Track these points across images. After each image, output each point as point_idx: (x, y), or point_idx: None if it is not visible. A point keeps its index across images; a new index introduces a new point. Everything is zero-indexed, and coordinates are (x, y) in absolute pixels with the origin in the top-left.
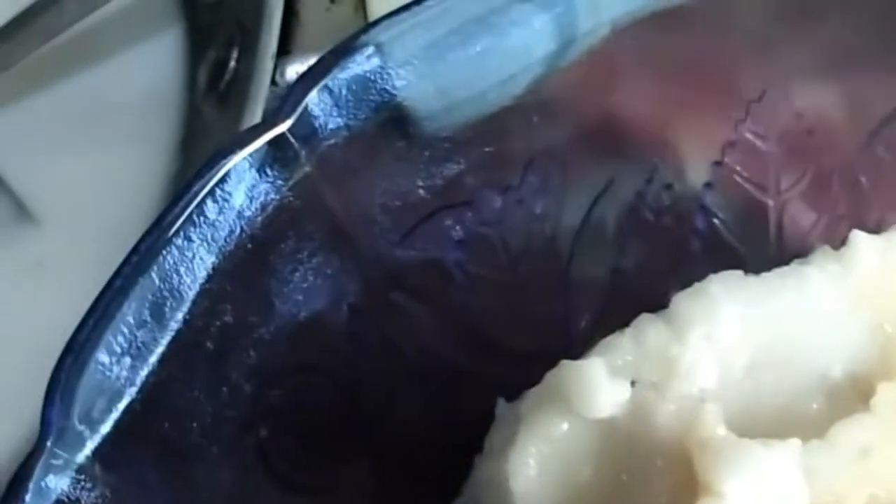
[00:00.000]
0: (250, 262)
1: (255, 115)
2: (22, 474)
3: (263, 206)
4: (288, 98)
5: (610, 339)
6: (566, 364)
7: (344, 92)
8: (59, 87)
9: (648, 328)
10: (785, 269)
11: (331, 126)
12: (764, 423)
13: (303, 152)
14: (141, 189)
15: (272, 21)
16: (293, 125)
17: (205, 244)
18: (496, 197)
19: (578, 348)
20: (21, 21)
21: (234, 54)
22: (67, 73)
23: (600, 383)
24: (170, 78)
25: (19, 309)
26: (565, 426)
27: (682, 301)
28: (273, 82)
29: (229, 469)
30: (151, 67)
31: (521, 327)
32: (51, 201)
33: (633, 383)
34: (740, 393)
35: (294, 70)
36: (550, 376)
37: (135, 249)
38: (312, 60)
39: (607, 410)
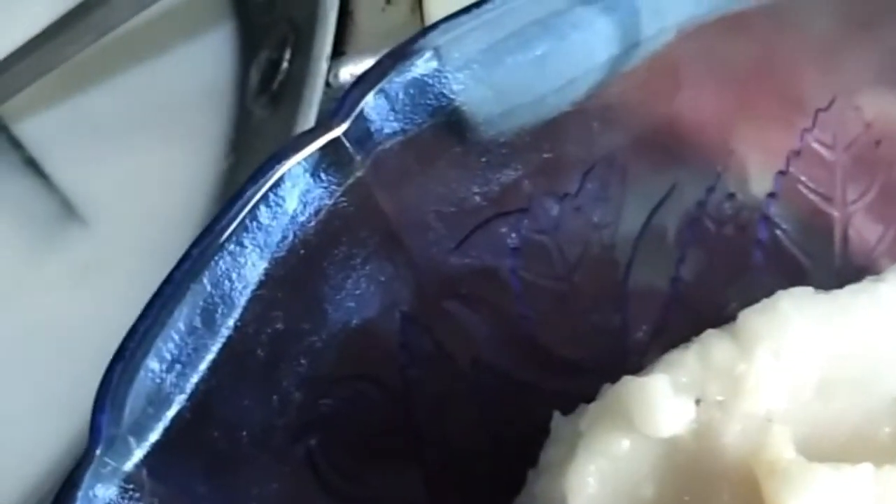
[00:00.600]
0: (303, 268)
1: (308, 118)
2: (71, 482)
3: (317, 212)
4: (344, 102)
5: (674, 354)
6: (629, 380)
7: (400, 96)
8: (108, 84)
9: (714, 344)
10: (857, 285)
11: (386, 130)
12: (833, 447)
13: (358, 157)
14: (190, 189)
15: (327, 22)
16: (348, 129)
17: (257, 250)
18: (553, 204)
19: (634, 360)
20: (73, 18)
21: (287, 55)
22: (117, 71)
23: (664, 401)
24: (220, 77)
25: (66, 311)
26: (627, 444)
27: (750, 317)
28: (326, 84)
29: (278, 478)
30: (202, 66)
31: (576, 338)
32: (99, 201)
33: (697, 401)
34: (809, 414)
35: (348, 72)
36: (612, 392)
37: (187, 255)
38: (367, 62)
39: (670, 429)
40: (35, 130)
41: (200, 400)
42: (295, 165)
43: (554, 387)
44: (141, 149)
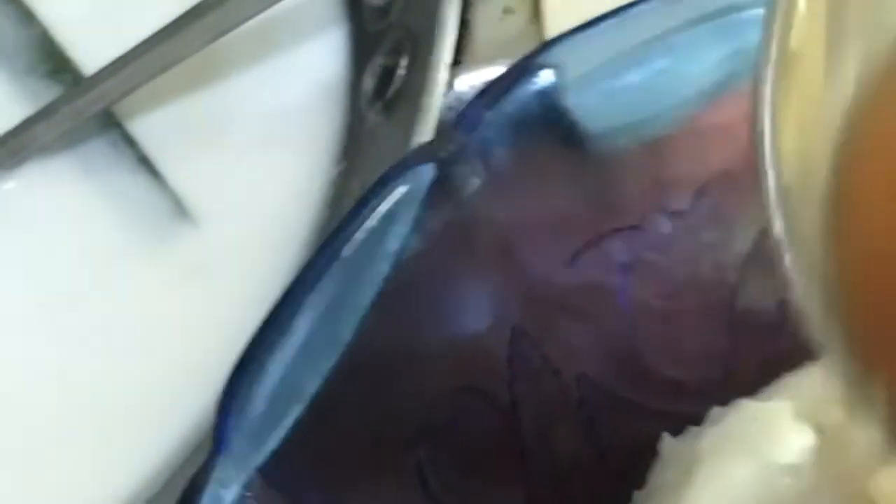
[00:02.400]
0: (419, 279)
1: (426, 127)
2: (194, 486)
3: (433, 223)
4: (465, 114)
5: (790, 379)
6: (748, 405)
7: (519, 110)
8: (220, 85)
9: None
10: None
11: (504, 144)
12: None
13: (476, 170)
14: (300, 192)
15: (446, 31)
16: (468, 142)
17: (379, 254)
18: (666, 222)
19: (743, 383)
20: (190, 18)
21: (404, 62)
22: (229, 71)
23: (785, 427)
24: (332, 81)
25: (177, 314)
26: (745, 469)
27: None
28: None
29: (387, 489)
30: (314, 69)
31: (683, 358)
32: (210, 201)
33: (817, 428)
34: None
35: (464, 81)
36: (730, 416)
37: (309, 264)
38: (484, 72)
39: (791, 456)
40: (148, 128)
41: (317, 408)
42: (414, 176)
43: (658, 407)
44: (252, 150)
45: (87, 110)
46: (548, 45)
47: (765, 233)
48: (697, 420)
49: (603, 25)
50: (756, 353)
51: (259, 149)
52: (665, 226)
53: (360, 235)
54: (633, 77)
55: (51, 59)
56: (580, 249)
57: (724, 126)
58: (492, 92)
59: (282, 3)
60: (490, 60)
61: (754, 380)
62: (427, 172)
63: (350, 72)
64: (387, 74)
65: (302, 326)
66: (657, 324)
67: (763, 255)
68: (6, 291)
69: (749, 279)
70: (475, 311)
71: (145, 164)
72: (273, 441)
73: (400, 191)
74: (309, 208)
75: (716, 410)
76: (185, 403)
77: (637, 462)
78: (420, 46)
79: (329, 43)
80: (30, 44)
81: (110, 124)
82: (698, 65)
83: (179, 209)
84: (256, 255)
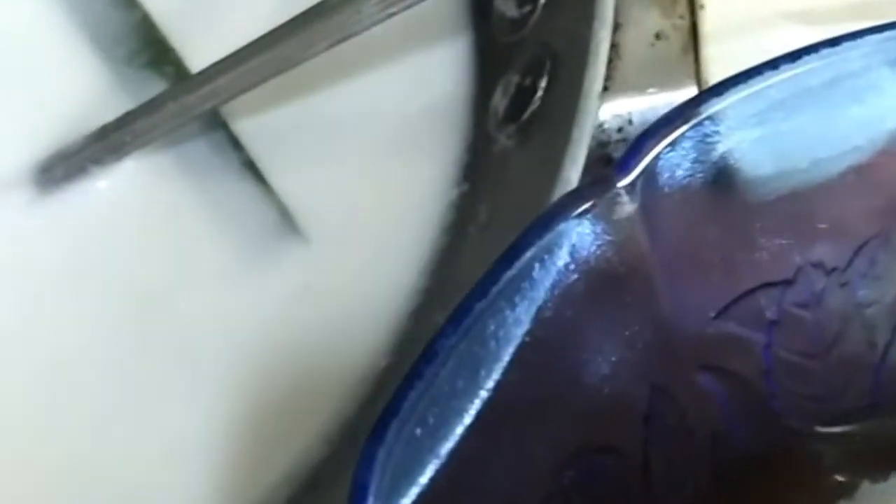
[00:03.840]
0: (566, 329)
1: (574, 163)
2: None
3: (586, 269)
4: (631, 155)
5: None
6: None
7: (680, 153)
8: (335, 90)
9: None
10: None
11: (664, 188)
12: None
13: (633, 215)
14: (417, 214)
15: (598, 57)
16: (621, 187)
17: (524, 305)
18: (820, 277)
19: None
20: (311, 17)
21: (542, 83)
22: (345, 77)
23: None
24: (454, 95)
25: (283, 337)
26: None
27: None
28: None
29: None
30: (434, 81)
31: (823, 419)
32: (321, 216)
33: None
34: None
35: (607, 110)
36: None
37: (459, 310)
38: (632, 101)
39: None
40: (256, 132)
41: (452, 465)
42: (564, 223)
43: (795, 468)
44: (366, 164)
45: (196, 108)
46: (711, 90)
47: None
48: (834, 488)
49: (770, 73)
50: None
51: (374, 162)
52: (819, 282)
53: (501, 286)
54: (800, 122)
55: (151, 49)
56: (730, 303)
57: (892, 179)
58: (657, 132)
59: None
60: (637, 88)
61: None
62: (578, 220)
63: (476, 86)
64: (521, 94)
65: (445, 381)
66: (797, 383)
67: None
68: (88, 298)
69: None
70: (616, 368)
71: (251, 170)
72: (408, 500)
73: (548, 239)
74: (427, 231)
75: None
76: (286, 438)
77: None
78: (562, 67)
79: (453, 53)
80: (129, 30)
81: (214, 125)
82: (874, 112)
83: (287, 222)
84: (369, 280)
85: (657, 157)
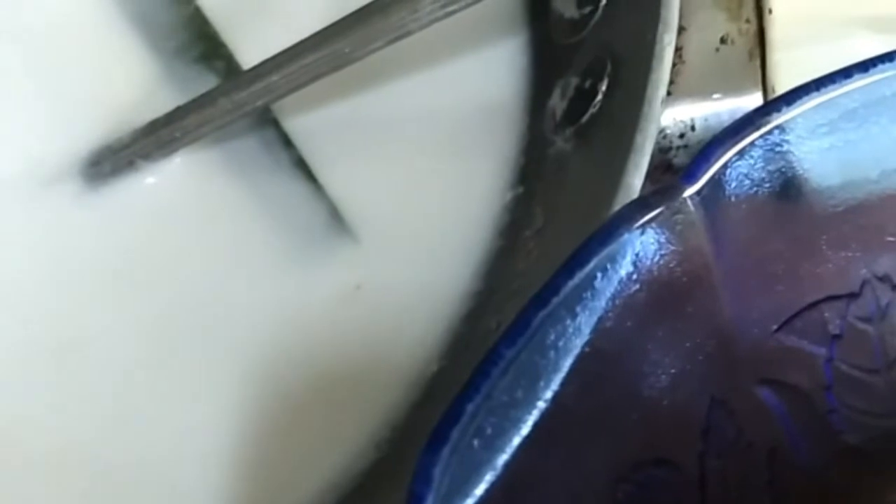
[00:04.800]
0: (626, 340)
1: (637, 170)
2: None
3: (649, 279)
4: (698, 163)
5: None
6: None
7: (748, 162)
8: (388, 88)
9: None
10: None
11: (731, 198)
12: None
13: (699, 225)
14: (470, 216)
15: (663, 61)
16: (688, 196)
17: (585, 315)
18: (886, 291)
19: None
20: (367, 15)
21: (602, 86)
22: (399, 75)
23: None
24: (510, 95)
25: (332, 337)
26: None
27: None
28: None
29: None
30: (489, 80)
31: (884, 437)
32: (372, 216)
33: None
34: None
35: (671, 115)
36: None
37: (519, 320)
38: (696, 106)
39: None
40: (307, 130)
41: (508, 478)
42: (628, 233)
43: (853, 486)
44: (419, 164)
45: (248, 105)
46: (782, 98)
47: None
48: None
49: (840, 82)
50: None
51: (427, 163)
52: (884, 296)
53: (562, 296)
54: (870, 131)
55: (202, 43)
56: (793, 316)
57: None
58: (725, 141)
59: (459, 7)
60: (700, 94)
61: None
62: (642, 229)
63: (532, 87)
64: (581, 97)
65: (503, 392)
66: (858, 399)
67: None
68: (131, 293)
69: None
70: (676, 380)
71: (302, 168)
72: None
73: (611, 248)
74: (481, 234)
75: None
76: (333, 445)
77: None
78: (624, 71)
79: (509, 53)
80: (180, 24)
81: (265, 122)
82: None
83: (337, 221)
84: (420, 282)
85: (725, 166)
